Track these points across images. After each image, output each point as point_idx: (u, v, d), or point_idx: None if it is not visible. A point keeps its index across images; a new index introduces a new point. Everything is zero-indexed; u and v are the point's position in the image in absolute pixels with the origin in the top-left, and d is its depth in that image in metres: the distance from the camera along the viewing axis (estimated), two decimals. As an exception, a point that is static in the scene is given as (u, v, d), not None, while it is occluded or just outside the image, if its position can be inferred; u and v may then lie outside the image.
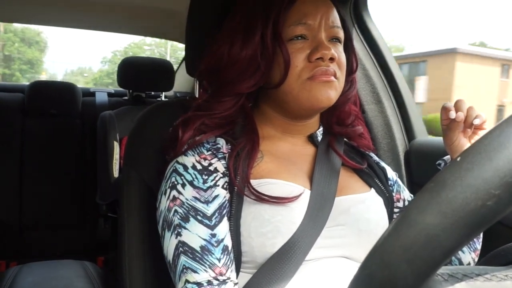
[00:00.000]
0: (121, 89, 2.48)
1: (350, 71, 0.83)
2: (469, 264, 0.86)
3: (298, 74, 0.74)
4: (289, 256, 0.68)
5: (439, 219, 0.28)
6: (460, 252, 0.85)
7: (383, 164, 0.92)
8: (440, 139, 1.26)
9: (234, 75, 0.75)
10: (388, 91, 1.27)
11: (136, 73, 2.27)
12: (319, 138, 0.84)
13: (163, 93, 2.58)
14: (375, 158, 0.92)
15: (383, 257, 0.30)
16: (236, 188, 0.71)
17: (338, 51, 0.76)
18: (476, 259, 0.86)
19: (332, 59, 0.73)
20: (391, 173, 0.91)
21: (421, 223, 0.29)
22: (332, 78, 0.74)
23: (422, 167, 1.19)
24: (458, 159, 0.29)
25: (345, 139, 0.88)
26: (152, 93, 2.55)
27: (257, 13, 0.75)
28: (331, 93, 0.75)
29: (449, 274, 0.35)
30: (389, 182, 0.89)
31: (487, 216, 0.28)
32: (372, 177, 0.85)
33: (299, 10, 0.75)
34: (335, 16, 0.77)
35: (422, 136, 1.27)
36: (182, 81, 2.67)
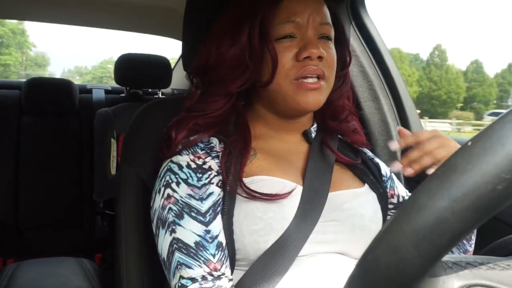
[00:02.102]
0: (118, 86, 2.47)
1: (343, 66, 0.83)
2: None
3: (285, 73, 0.74)
4: (282, 252, 0.69)
5: (449, 202, 0.28)
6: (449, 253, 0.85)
7: (377, 160, 0.92)
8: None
9: (223, 75, 0.75)
10: (385, 88, 1.28)
11: (134, 70, 2.27)
12: (313, 134, 0.84)
13: (161, 90, 2.57)
14: (369, 154, 0.92)
15: (390, 241, 0.31)
16: (227, 186, 0.72)
17: (328, 49, 0.76)
18: None
19: (320, 58, 0.73)
20: (385, 169, 0.91)
21: (431, 206, 0.29)
22: (321, 83, 0.74)
23: (419, 164, 1.19)
24: (469, 143, 0.29)
25: (339, 136, 0.88)
26: (150, 90, 2.55)
27: (245, 12, 0.75)
28: (320, 98, 0.75)
29: (453, 262, 0.35)
30: (383, 178, 0.89)
31: (497, 200, 0.28)
32: (366, 172, 0.85)
33: (287, 8, 0.74)
34: (324, 13, 0.77)
35: (419, 133, 1.27)
36: (180, 78, 2.66)
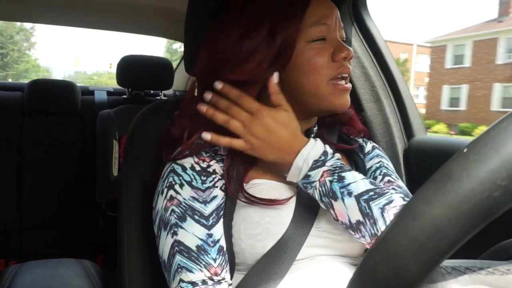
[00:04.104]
0: (120, 87, 2.47)
1: None
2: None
3: (323, 74, 0.74)
4: (280, 256, 0.69)
5: (445, 210, 0.28)
6: None
7: (370, 155, 0.89)
8: (439, 137, 1.26)
9: (247, 77, 0.72)
10: (387, 90, 1.27)
11: (136, 71, 2.27)
12: (313, 135, 0.83)
13: (163, 91, 2.58)
14: (360, 142, 0.90)
15: (387, 248, 0.30)
16: (229, 190, 0.71)
17: None
18: None
19: (351, 58, 0.76)
20: (372, 164, 0.88)
21: (427, 214, 0.29)
22: (349, 84, 0.77)
23: (421, 165, 1.19)
24: (465, 150, 0.29)
25: (339, 134, 0.87)
26: (152, 91, 2.55)
27: (268, 14, 0.73)
28: (349, 99, 0.77)
29: (452, 267, 0.35)
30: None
31: (494, 207, 0.28)
32: (359, 166, 0.84)
33: (317, 11, 0.75)
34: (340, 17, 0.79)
35: (421, 134, 1.27)
36: (182, 80, 2.66)
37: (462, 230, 0.28)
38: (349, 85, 0.76)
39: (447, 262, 0.35)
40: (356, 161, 0.85)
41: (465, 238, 0.29)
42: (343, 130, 0.88)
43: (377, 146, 0.91)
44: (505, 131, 0.28)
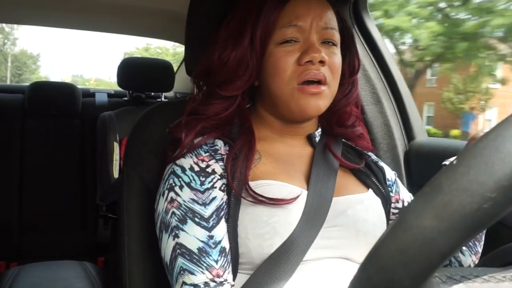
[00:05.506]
0: (121, 89, 2.48)
1: (352, 72, 0.83)
2: (469, 266, 0.85)
3: (287, 78, 0.73)
4: (286, 256, 0.68)
5: (435, 222, 0.28)
6: (460, 255, 0.85)
7: (381, 164, 0.91)
8: (439, 139, 1.26)
9: (224, 78, 0.75)
10: (388, 92, 1.27)
11: (136, 73, 2.27)
12: (317, 138, 0.83)
13: (163, 93, 2.58)
14: (374, 157, 0.91)
15: (379, 260, 0.31)
16: (233, 190, 0.71)
17: (331, 54, 0.75)
18: (477, 262, 0.86)
19: (322, 62, 0.72)
20: (389, 173, 0.90)
21: (418, 226, 0.29)
22: (322, 88, 0.74)
23: (422, 168, 1.19)
24: (454, 162, 0.29)
25: (343, 139, 0.87)
26: (152, 93, 2.55)
27: (248, 15, 0.75)
28: (320, 103, 0.75)
29: (447, 276, 0.35)
30: (388, 183, 0.88)
31: (483, 219, 0.28)
32: (370, 177, 0.84)
33: (290, 12, 0.74)
34: (329, 17, 0.76)
35: (421, 136, 1.27)
36: (182, 82, 2.67)
37: (452, 241, 0.28)
38: (320, 89, 0.73)
39: (442, 271, 0.35)
40: (361, 178, 0.84)
41: (455, 250, 0.29)
42: (348, 143, 0.88)
43: (396, 175, 0.92)
44: (493, 143, 0.28)
